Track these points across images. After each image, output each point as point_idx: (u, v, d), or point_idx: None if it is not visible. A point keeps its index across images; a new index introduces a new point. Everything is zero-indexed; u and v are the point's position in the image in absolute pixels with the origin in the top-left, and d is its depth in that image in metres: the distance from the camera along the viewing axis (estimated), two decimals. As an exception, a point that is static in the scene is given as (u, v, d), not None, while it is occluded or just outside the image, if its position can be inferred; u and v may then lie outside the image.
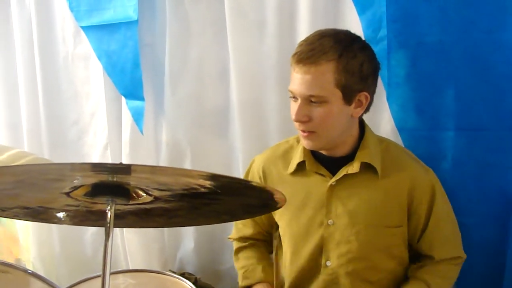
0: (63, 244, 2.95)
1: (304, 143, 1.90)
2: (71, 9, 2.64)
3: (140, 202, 1.27)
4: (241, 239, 2.22)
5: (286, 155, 2.03)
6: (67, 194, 1.24)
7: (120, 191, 1.22)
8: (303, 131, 1.86)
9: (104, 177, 1.15)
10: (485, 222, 2.06)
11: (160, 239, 2.73)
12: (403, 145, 2.10)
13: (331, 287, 1.96)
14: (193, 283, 2.00)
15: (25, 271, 1.93)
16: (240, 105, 2.40)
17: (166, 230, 2.72)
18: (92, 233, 2.89)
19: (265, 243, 2.22)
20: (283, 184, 2.00)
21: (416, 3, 2.01)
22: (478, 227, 2.04)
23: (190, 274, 2.63)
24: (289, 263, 2.03)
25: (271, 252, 2.19)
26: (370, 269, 1.94)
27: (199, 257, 2.67)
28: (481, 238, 2.05)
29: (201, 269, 2.67)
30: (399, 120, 2.11)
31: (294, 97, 1.84)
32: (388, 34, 2.05)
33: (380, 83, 2.02)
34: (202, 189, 1.21)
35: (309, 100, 1.80)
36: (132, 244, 2.75)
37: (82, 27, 2.65)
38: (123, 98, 2.62)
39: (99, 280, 2.06)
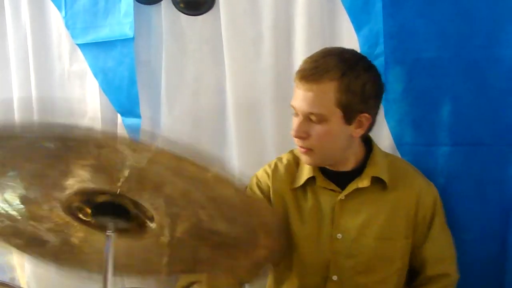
0: (58, 263, 2.92)
1: (302, 158, 1.91)
2: (67, 26, 2.64)
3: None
4: None
5: (290, 168, 2.02)
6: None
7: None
8: (301, 147, 1.86)
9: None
10: (482, 237, 2.06)
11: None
12: (401, 160, 2.10)
13: None
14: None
15: (22, 290, 1.92)
16: (236, 122, 2.40)
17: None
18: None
19: None
20: (290, 198, 1.99)
21: (412, 19, 2.02)
22: (475, 243, 2.04)
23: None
24: (294, 277, 2.02)
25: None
26: (378, 283, 1.94)
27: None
28: (478, 254, 2.04)
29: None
30: (396, 135, 2.12)
31: (296, 113, 1.84)
32: (385, 50, 2.06)
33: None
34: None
35: (309, 117, 1.80)
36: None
37: (78, 45, 2.65)
38: (119, 115, 2.62)
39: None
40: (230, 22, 2.32)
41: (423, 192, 1.93)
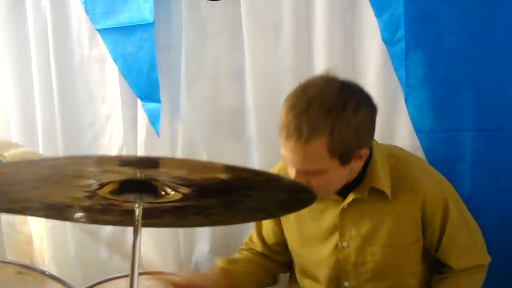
0: (78, 247, 2.94)
1: None
2: (87, 11, 2.65)
3: (169, 199, 1.26)
4: (250, 249, 2.19)
5: None
6: (94, 192, 1.23)
7: (148, 189, 1.21)
8: None
9: (132, 172, 1.13)
10: (504, 223, 2.05)
11: (176, 242, 2.72)
12: (421, 148, 2.09)
13: None
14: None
15: (43, 272, 1.94)
16: (256, 107, 2.40)
17: (181, 233, 2.71)
18: (107, 236, 2.89)
19: (270, 260, 2.14)
20: None
21: (434, 4, 2.01)
22: (497, 229, 2.03)
23: (205, 276, 2.62)
24: (307, 284, 2.02)
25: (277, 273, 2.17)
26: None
27: (214, 260, 2.66)
28: (500, 240, 2.03)
29: (216, 272, 2.66)
30: (416, 122, 2.10)
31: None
32: (405, 35, 2.04)
33: (398, 84, 2.01)
34: (218, 181, 1.18)
35: (305, 171, 1.69)
36: (148, 247, 2.75)
37: (98, 30, 2.65)
38: (138, 100, 2.62)
39: (114, 282, 2.08)
40: (250, 7, 2.32)
41: (429, 194, 1.83)
